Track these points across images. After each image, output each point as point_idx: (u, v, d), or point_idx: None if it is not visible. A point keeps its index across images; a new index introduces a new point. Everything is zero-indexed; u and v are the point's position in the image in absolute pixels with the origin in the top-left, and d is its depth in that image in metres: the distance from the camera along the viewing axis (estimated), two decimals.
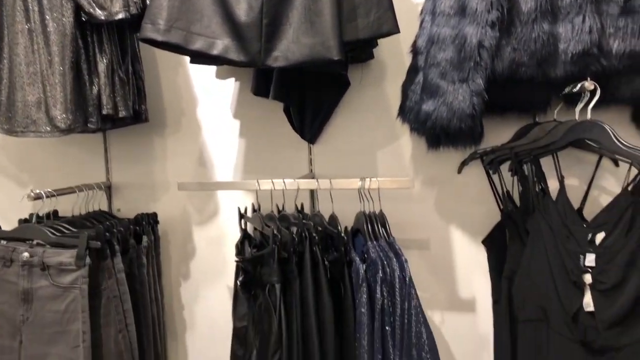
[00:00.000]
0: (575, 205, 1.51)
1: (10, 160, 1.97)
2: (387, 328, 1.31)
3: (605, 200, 1.53)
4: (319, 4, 1.30)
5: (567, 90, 1.39)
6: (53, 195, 1.61)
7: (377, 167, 1.70)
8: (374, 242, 1.39)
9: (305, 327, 1.38)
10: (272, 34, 1.33)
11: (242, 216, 1.63)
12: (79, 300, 1.42)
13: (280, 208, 1.63)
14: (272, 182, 1.47)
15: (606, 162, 1.55)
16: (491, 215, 1.61)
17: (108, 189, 1.86)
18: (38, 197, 1.58)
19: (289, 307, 1.40)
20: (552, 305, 1.36)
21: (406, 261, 1.34)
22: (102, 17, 1.43)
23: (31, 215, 1.65)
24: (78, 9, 1.44)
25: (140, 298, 1.60)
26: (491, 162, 1.52)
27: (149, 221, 1.72)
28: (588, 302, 1.32)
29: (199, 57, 1.45)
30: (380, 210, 1.46)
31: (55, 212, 1.73)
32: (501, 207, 1.58)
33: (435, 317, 1.71)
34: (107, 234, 1.51)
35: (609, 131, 1.31)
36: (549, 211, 1.38)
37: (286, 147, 1.75)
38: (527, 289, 1.42)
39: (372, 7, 1.34)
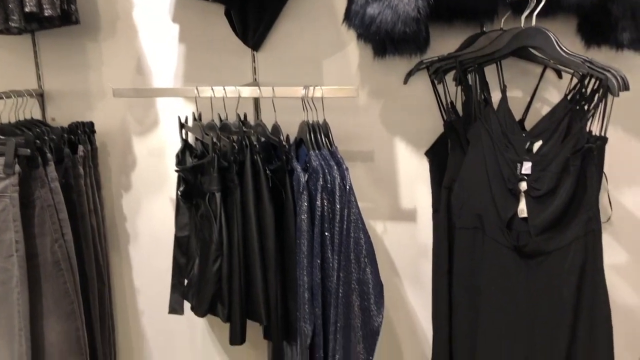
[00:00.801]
0: (518, 116, 1.53)
1: None
2: (326, 234, 1.33)
3: (547, 111, 1.55)
4: None
5: None
6: None
7: (323, 76, 1.66)
8: (316, 151, 1.38)
9: (246, 234, 1.38)
10: None
11: (182, 126, 1.57)
12: (9, 209, 1.37)
13: (223, 117, 1.58)
14: (212, 89, 1.42)
15: (550, 74, 1.55)
16: (436, 126, 1.61)
17: (40, 96, 1.76)
18: None
19: (230, 215, 1.39)
20: (488, 212, 1.40)
21: (347, 169, 1.34)
22: None
23: None
24: None
25: (78, 208, 1.56)
26: (436, 71, 1.50)
27: (85, 130, 1.65)
28: (522, 208, 1.35)
29: None
30: (324, 120, 1.43)
31: None
32: (445, 117, 1.58)
33: (378, 227, 1.74)
34: (38, 141, 1.44)
35: (552, 38, 1.30)
36: (489, 120, 1.38)
37: (229, 54, 1.68)
38: (465, 197, 1.45)
39: None
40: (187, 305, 1.53)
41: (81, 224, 1.57)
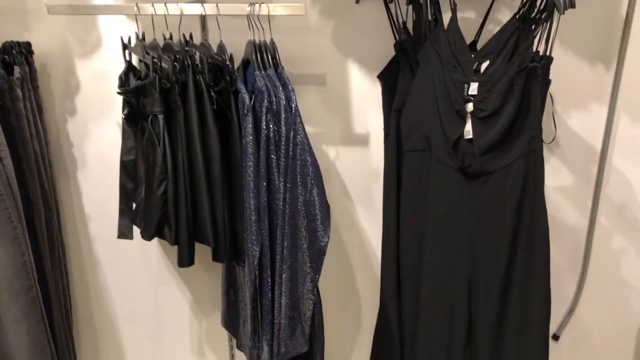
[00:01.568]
0: (471, 38, 1.51)
1: None
2: (272, 156, 1.32)
3: None
4: None
5: None
6: None
7: None
8: (262, 72, 1.34)
9: (191, 157, 1.36)
10: None
11: (125, 46, 1.50)
12: None
13: (168, 37, 1.52)
14: (153, 6, 1.35)
15: None
16: (389, 48, 1.57)
17: None
18: None
19: (174, 137, 1.36)
20: (436, 134, 1.40)
21: (293, 91, 1.31)
22: None
23: None
24: None
25: (18, 132, 1.50)
26: None
27: (21, 51, 1.56)
28: (468, 129, 1.36)
29: None
30: (271, 40, 1.39)
31: None
32: (396, 38, 1.54)
33: (330, 152, 1.73)
34: None
35: None
36: (439, 40, 1.36)
37: None
38: (413, 119, 1.44)
39: None
40: (137, 230, 1.53)
41: (22, 148, 1.52)
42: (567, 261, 1.85)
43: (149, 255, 1.82)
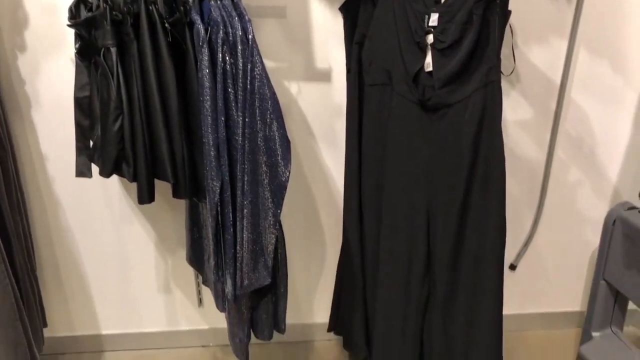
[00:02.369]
0: None
1: None
2: (230, 90, 1.29)
3: None
4: None
5: None
6: None
7: None
8: (217, 2, 1.29)
9: (146, 91, 1.32)
10: None
11: None
12: None
13: None
14: None
15: None
16: None
17: None
18: None
19: (128, 71, 1.32)
20: (396, 67, 1.39)
21: (249, 21, 1.27)
22: None
23: None
24: None
25: None
26: None
27: None
28: (428, 62, 1.35)
29: None
30: None
31: None
32: None
33: (292, 88, 1.71)
34: None
35: None
36: None
37: None
38: (374, 52, 1.43)
39: None
40: (97, 169, 1.50)
41: None
42: (525, 194, 1.90)
43: (110, 194, 1.80)
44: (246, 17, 1.27)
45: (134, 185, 1.43)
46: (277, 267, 1.51)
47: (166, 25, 1.31)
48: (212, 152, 1.32)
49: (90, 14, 1.33)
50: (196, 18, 1.28)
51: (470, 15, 1.26)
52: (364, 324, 1.72)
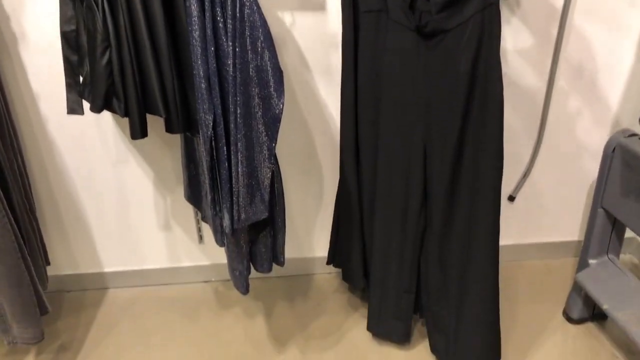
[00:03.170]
0: None
1: None
2: (219, 19, 1.25)
3: None
4: None
5: None
6: None
7: None
8: None
9: (134, 22, 1.28)
10: None
11: None
12: None
13: None
14: None
15: None
16: None
17: None
18: None
19: (113, 2, 1.27)
20: None
21: None
22: None
23: None
24: None
25: None
26: None
27: None
28: None
29: None
30: None
31: None
32: None
33: (286, 18, 1.65)
34: None
35: None
36: None
37: None
38: None
39: None
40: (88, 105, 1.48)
41: None
42: (525, 124, 1.88)
43: (106, 133, 1.78)
44: None
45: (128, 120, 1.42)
46: (275, 201, 1.51)
47: None
48: (203, 84, 1.29)
49: None
50: None
51: None
52: (362, 256, 1.74)
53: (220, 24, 1.25)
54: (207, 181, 1.44)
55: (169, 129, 1.40)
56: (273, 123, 1.33)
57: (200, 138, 1.37)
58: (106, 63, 1.30)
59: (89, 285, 2.05)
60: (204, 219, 1.77)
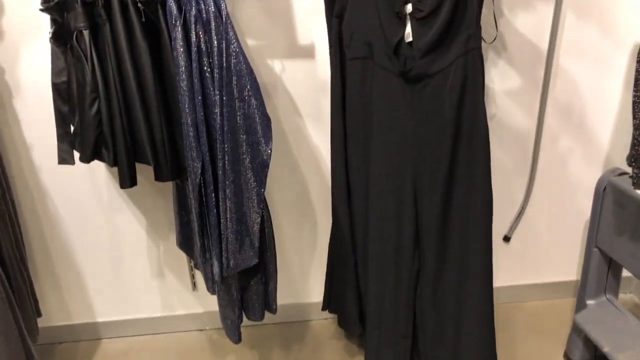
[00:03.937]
0: None
1: None
2: (206, 69, 1.27)
3: None
4: None
5: None
6: None
7: None
8: None
9: (122, 73, 1.30)
10: None
11: None
12: None
13: None
14: None
15: None
16: None
17: None
18: None
19: (102, 53, 1.30)
20: (377, 39, 1.37)
21: None
22: None
23: None
24: None
25: None
26: None
27: None
28: (408, 32, 1.33)
29: None
30: None
31: None
32: None
33: (276, 66, 1.68)
34: None
35: None
36: None
37: None
38: (354, 25, 1.40)
39: None
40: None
41: None
42: (516, 164, 1.88)
43: (98, 182, 1.78)
44: None
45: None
46: (265, 247, 1.50)
47: (139, 4, 1.28)
48: (191, 132, 1.30)
49: None
50: None
51: None
52: (357, 301, 1.71)
53: (207, 74, 1.27)
54: (196, 228, 1.44)
55: (158, 177, 1.41)
56: (261, 169, 1.34)
57: (189, 185, 1.38)
58: (95, 113, 1.32)
59: (81, 336, 2.02)
60: (196, 266, 1.75)
